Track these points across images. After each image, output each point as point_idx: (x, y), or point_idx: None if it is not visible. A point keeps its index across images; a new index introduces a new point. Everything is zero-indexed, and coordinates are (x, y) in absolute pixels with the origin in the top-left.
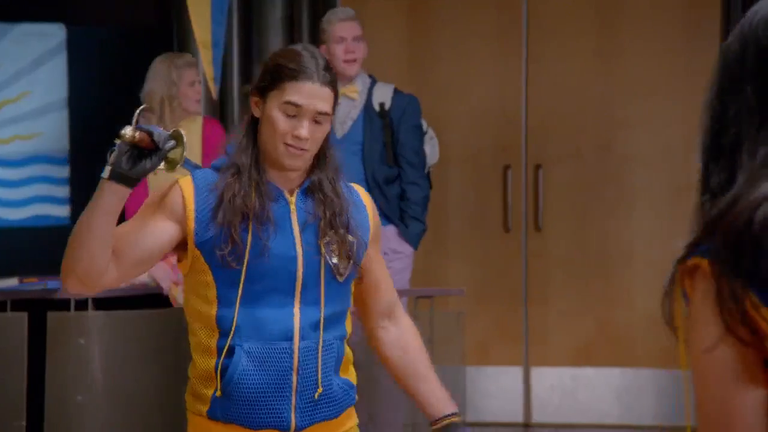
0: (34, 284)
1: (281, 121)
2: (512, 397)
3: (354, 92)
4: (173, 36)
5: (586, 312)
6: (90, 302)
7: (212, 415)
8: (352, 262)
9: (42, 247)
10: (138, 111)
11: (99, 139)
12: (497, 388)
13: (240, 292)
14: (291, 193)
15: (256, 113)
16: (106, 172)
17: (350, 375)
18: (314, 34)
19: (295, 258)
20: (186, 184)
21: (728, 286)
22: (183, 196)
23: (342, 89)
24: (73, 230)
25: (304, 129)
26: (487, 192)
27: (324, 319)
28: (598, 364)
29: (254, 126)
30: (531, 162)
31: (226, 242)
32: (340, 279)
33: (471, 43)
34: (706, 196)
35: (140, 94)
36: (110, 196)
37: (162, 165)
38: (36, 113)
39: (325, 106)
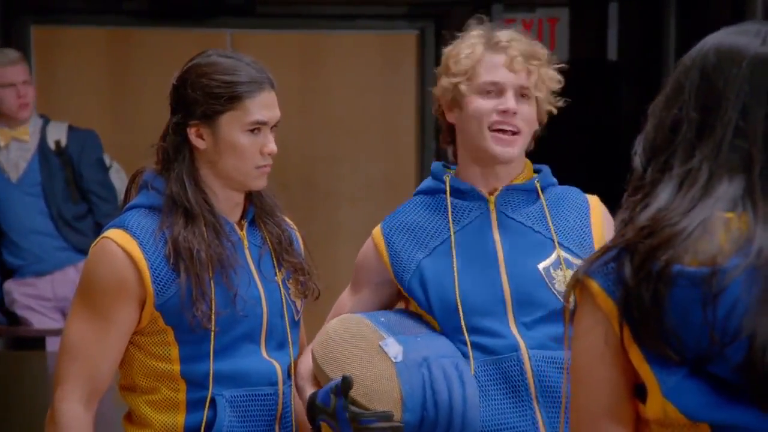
0: None
1: (248, 144)
2: None
3: (25, 134)
4: None
5: None
6: None
7: None
8: (304, 298)
9: None
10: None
11: None
12: None
13: (211, 346)
14: (240, 226)
15: (201, 145)
16: None
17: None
18: None
19: (259, 298)
20: (126, 242)
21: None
22: (132, 260)
23: (12, 132)
24: None
25: (272, 143)
26: None
27: (293, 362)
28: None
29: (186, 153)
30: None
31: (194, 303)
32: (297, 317)
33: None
34: (637, 195)
35: None
36: None
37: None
38: None
39: (278, 112)
